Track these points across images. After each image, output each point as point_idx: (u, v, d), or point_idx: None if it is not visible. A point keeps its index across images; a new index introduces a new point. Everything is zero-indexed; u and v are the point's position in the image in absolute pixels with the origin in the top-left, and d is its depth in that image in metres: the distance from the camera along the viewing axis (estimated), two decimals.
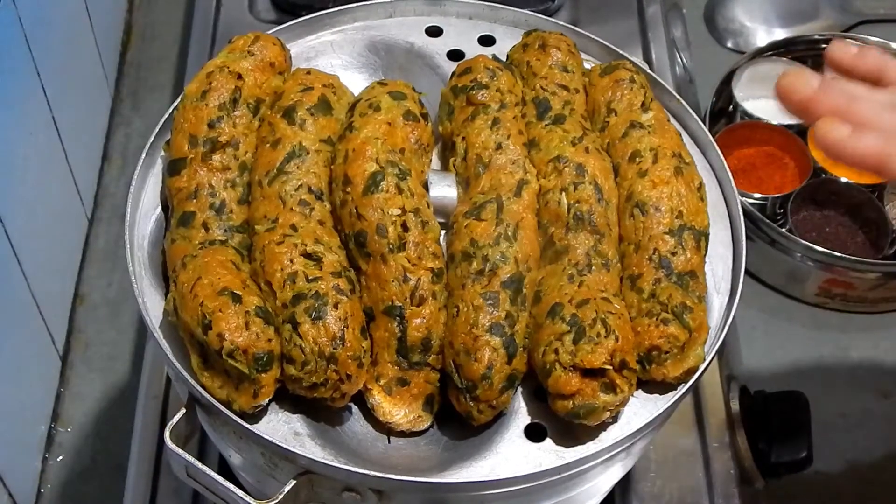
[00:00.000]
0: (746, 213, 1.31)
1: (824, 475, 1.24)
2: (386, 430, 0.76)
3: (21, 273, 1.13)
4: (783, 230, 1.33)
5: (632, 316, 0.78)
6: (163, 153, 0.85)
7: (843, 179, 1.38)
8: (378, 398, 0.76)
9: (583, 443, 0.76)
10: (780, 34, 1.58)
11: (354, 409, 0.77)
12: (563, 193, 0.81)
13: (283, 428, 0.75)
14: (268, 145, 0.82)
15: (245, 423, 0.73)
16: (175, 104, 0.84)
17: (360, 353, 0.74)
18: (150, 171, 0.85)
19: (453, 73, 0.88)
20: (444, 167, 0.87)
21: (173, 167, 0.81)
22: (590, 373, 0.74)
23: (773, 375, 1.30)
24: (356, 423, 0.77)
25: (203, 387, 0.74)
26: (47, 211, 1.23)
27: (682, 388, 0.78)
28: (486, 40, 0.96)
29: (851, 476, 1.25)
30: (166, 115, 0.85)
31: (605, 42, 0.94)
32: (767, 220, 1.34)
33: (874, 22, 1.61)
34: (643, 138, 0.84)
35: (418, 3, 0.96)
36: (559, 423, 0.76)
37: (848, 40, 0.80)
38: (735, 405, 1.09)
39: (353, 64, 0.94)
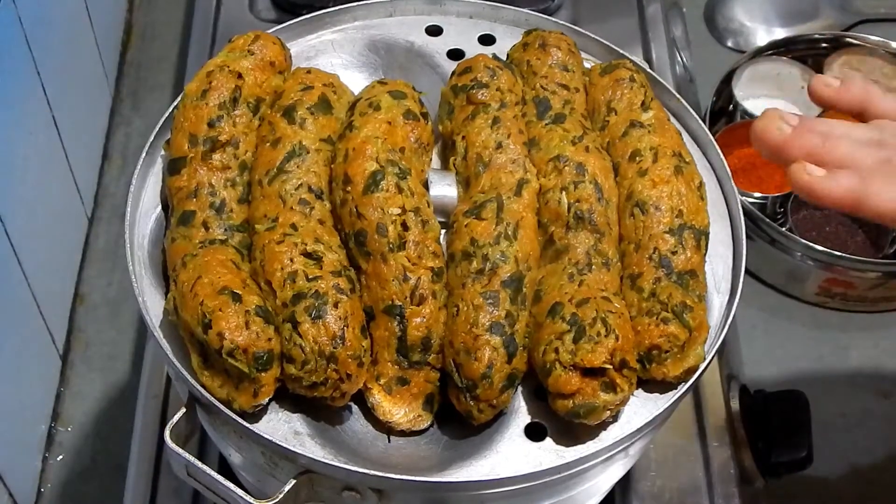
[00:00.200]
0: (746, 213, 1.31)
1: (824, 475, 1.24)
2: (386, 429, 0.76)
3: (21, 273, 1.13)
4: (783, 229, 1.33)
5: (632, 315, 0.78)
6: (163, 152, 0.85)
7: None
8: (378, 397, 0.76)
9: (583, 442, 0.76)
10: (780, 33, 1.58)
11: (354, 408, 0.77)
12: (564, 192, 0.81)
13: (283, 427, 0.75)
14: (268, 144, 0.82)
15: (245, 423, 0.73)
16: (175, 103, 0.84)
17: (360, 352, 0.74)
18: (151, 170, 0.85)
19: (453, 73, 0.88)
20: (445, 166, 0.87)
21: (173, 166, 0.81)
22: (590, 372, 0.74)
23: (773, 375, 1.30)
24: (356, 422, 0.77)
25: (203, 386, 0.74)
26: (47, 211, 1.23)
27: (682, 388, 0.78)
28: (487, 39, 0.96)
29: (851, 476, 1.25)
30: (166, 115, 0.85)
31: (605, 41, 0.94)
32: (767, 220, 1.34)
33: (874, 21, 1.61)
34: (643, 137, 0.84)
35: (418, 2, 0.96)
36: (559, 422, 0.76)
37: (827, 77, 0.80)
38: (735, 405, 1.09)
39: (354, 63, 0.94)
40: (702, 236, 0.81)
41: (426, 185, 0.83)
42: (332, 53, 0.94)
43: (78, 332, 1.30)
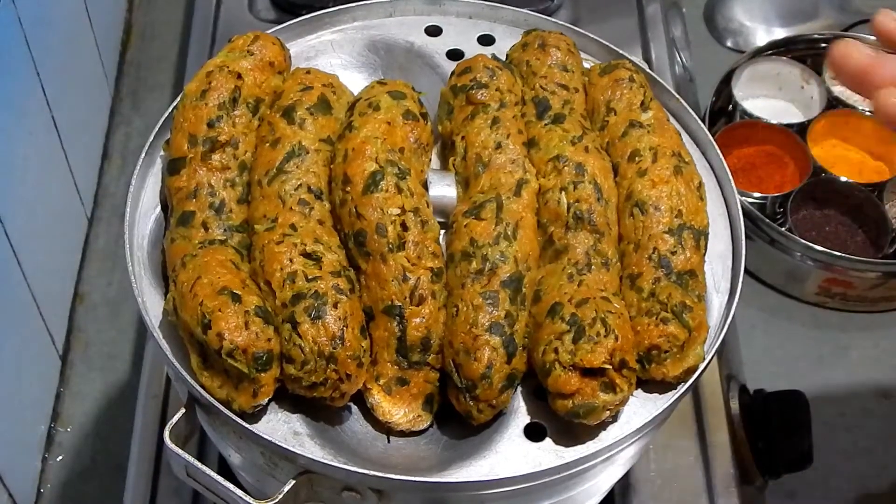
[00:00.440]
0: (746, 213, 1.31)
1: (824, 475, 1.24)
2: (385, 429, 0.76)
3: (21, 273, 1.13)
4: (783, 229, 1.33)
5: (631, 315, 0.78)
6: (162, 153, 0.85)
7: (843, 178, 1.38)
8: (378, 398, 0.76)
9: (582, 442, 0.76)
10: (780, 33, 1.58)
11: (354, 408, 0.77)
12: (563, 193, 0.81)
13: (282, 427, 0.75)
14: (267, 145, 0.82)
15: (245, 423, 0.73)
16: (175, 104, 0.84)
17: (360, 352, 0.74)
18: (150, 170, 0.85)
19: (453, 73, 0.88)
20: (444, 166, 0.87)
21: (173, 166, 0.81)
22: (589, 372, 0.74)
23: (772, 375, 1.30)
24: (356, 422, 0.77)
25: (203, 386, 0.74)
26: (47, 211, 1.23)
27: (682, 388, 0.78)
28: (486, 40, 0.96)
29: (851, 476, 1.26)
30: (166, 115, 0.85)
31: (604, 41, 0.94)
32: (767, 220, 1.34)
33: None
34: (643, 137, 0.84)
35: (418, 2, 0.96)
36: (559, 422, 0.76)
37: (889, 12, 0.78)
38: (735, 404, 1.09)
39: (353, 63, 0.94)
40: (701, 236, 0.81)
41: (426, 186, 0.83)
42: (332, 54, 0.94)
43: (78, 331, 1.30)
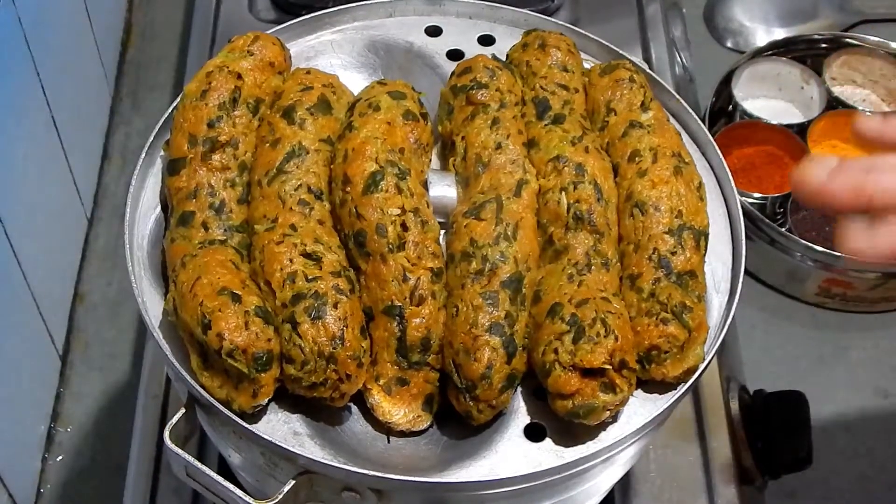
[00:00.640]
0: (746, 213, 1.31)
1: (824, 475, 1.24)
2: (385, 429, 0.76)
3: (21, 273, 1.13)
4: (783, 230, 1.33)
5: (631, 315, 0.78)
6: (162, 153, 0.85)
7: None
8: (377, 398, 0.76)
9: (582, 442, 0.76)
10: (780, 34, 1.58)
11: (354, 408, 0.77)
12: (563, 193, 0.81)
13: (282, 428, 0.75)
14: (267, 145, 0.82)
15: (244, 423, 0.73)
16: (175, 104, 0.84)
17: (360, 352, 0.74)
18: (150, 170, 0.85)
19: (453, 73, 0.88)
20: (444, 167, 0.87)
21: (173, 167, 0.81)
22: (589, 372, 0.74)
23: (772, 375, 1.30)
24: (356, 422, 0.77)
25: (202, 386, 0.74)
26: (47, 211, 1.23)
27: (682, 388, 0.78)
28: (486, 40, 0.96)
29: (851, 476, 1.26)
30: (166, 115, 0.85)
31: (604, 42, 0.94)
32: (767, 220, 1.34)
33: (874, 21, 1.61)
34: (643, 138, 0.84)
35: (418, 2, 0.96)
36: (559, 422, 0.76)
37: (867, 116, 0.72)
38: (735, 405, 1.09)
39: (353, 63, 0.94)
40: (701, 236, 0.81)
41: (426, 186, 0.83)
42: (332, 54, 0.94)
43: (78, 332, 1.30)
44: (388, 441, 0.76)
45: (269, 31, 0.88)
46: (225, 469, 0.83)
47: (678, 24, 1.44)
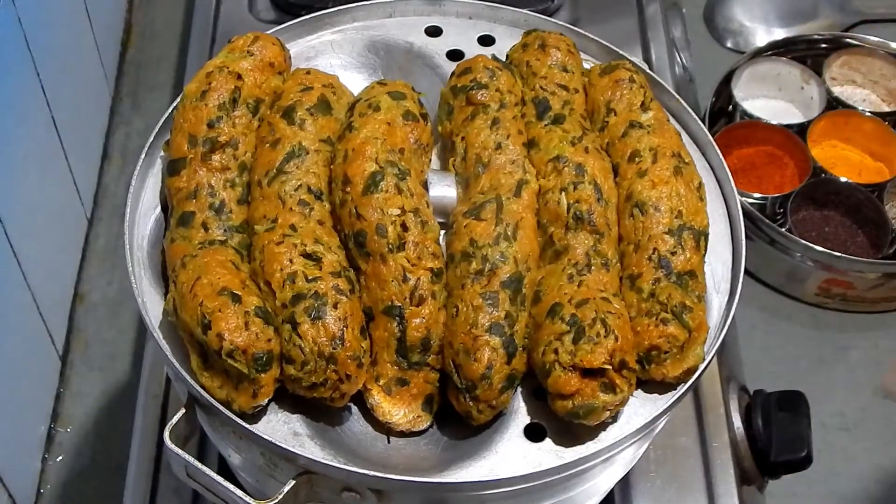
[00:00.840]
0: (746, 213, 1.31)
1: (824, 475, 1.24)
2: (385, 430, 0.76)
3: (21, 273, 1.13)
4: (783, 230, 1.33)
5: (631, 316, 0.78)
6: (162, 153, 0.85)
7: (843, 179, 1.38)
8: (377, 398, 0.76)
9: (582, 442, 0.76)
10: (780, 34, 1.58)
11: (354, 409, 0.77)
12: (563, 193, 0.81)
13: (282, 428, 0.75)
14: (267, 145, 0.82)
15: (244, 424, 0.73)
16: (174, 104, 0.84)
17: (360, 353, 0.74)
18: (150, 170, 0.85)
19: (453, 73, 0.88)
20: (444, 167, 0.87)
21: (173, 167, 0.81)
22: (589, 373, 0.74)
23: (772, 375, 1.30)
24: (356, 423, 0.77)
25: (203, 387, 0.74)
26: (47, 211, 1.23)
27: (682, 388, 0.78)
28: (486, 40, 0.96)
29: (851, 476, 1.26)
30: (166, 115, 0.85)
31: (604, 42, 0.94)
32: (767, 220, 1.34)
33: (873, 22, 1.61)
34: (643, 138, 0.84)
35: (418, 2, 0.96)
36: (559, 422, 0.76)
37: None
38: (734, 405, 1.09)
39: (353, 64, 0.94)
40: (701, 237, 0.81)
41: (426, 186, 0.83)
42: (332, 54, 0.94)
43: (78, 332, 1.30)
44: (388, 441, 0.76)
45: (269, 32, 0.88)
46: (225, 469, 0.83)
47: (678, 25, 1.44)
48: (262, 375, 0.72)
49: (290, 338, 0.73)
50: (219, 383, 0.74)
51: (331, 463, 0.72)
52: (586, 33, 0.95)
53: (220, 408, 0.73)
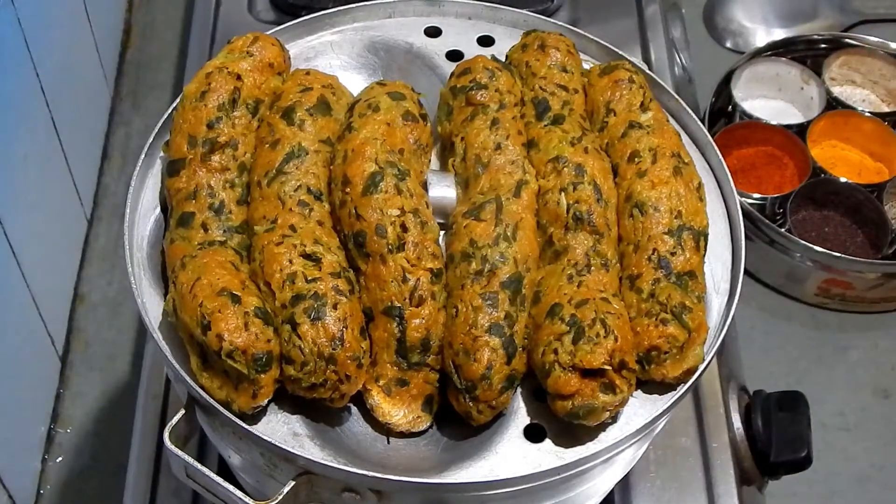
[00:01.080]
0: (746, 213, 1.31)
1: (824, 475, 1.24)
2: (385, 430, 0.76)
3: (20, 273, 1.13)
4: (782, 230, 1.33)
5: (631, 316, 0.78)
6: (162, 154, 0.85)
7: (843, 179, 1.38)
8: (377, 399, 0.76)
9: (582, 443, 0.76)
10: (780, 34, 1.59)
11: (354, 409, 0.77)
12: (563, 194, 0.81)
13: (282, 428, 0.75)
14: (267, 146, 0.82)
15: (244, 424, 0.73)
16: (174, 105, 0.84)
17: (360, 353, 0.74)
18: (150, 171, 0.85)
19: (452, 74, 0.88)
20: (444, 167, 0.87)
21: (172, 168, 0.81)
22: (589, 373, 0.74)
23: (772, 375, 1.31)
24: (355, 423, 0.77)
25: (202, 387, 0.74)
26: (47, 211, 1.24)
27: (682, 389, 0.78)
28: (486, 41, 0.96)
29: (851, 476, 1.26)
30: (165, 116, 0.85)
31: (604, 42, 0.94)
32: (767, 220, 1.34)
33: (873, 22, 1.61)
34: (642, 138, 0.84)
35: (417, 3, 0.96)
36: (558, 423, 0.76)
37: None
38: (734, 405, 1.09)
39: (353, 64, 0.94)
40: (701, 237, 0.81)
41: (425, 187, 0.83)
42: (331, 55, 0.94)
43: (78, 332, 1.30)
44: (388, 442, 0.76)
45: (268, 32, 0.88)
46: (225, 470, 0.83)
47: (678, 25, 1.44)
48: (262, 376, 0.72)
49: (289, 338, 0.73)
50: (218, 384, 0.74)
51: (331, 463, 0.72)
52: (586, 34, 0.95)
53: (220, 408, 0.73)
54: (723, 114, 1.48)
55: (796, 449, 1.05)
